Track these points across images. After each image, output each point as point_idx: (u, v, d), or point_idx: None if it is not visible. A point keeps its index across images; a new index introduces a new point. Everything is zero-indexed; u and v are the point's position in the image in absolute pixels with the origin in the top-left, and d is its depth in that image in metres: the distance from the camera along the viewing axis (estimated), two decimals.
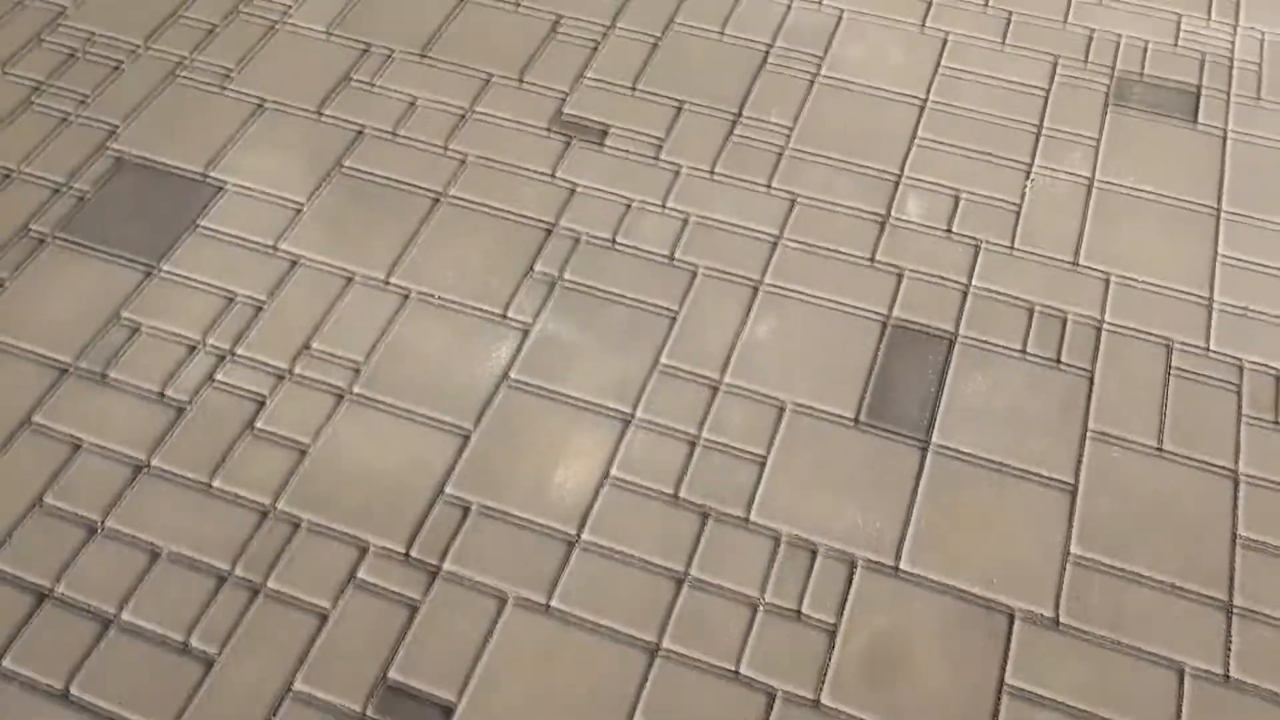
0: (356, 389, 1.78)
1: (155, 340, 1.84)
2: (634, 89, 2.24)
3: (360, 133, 2.16)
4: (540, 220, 2.02)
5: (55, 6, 2.40)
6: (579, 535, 1.62)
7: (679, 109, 2.20)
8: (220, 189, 2.06)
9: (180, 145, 2.13)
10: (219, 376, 1.79)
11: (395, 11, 2.39)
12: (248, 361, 1.81)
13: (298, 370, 1.80)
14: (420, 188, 2.07)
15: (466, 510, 1.65)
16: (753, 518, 1.64)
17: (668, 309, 1.89)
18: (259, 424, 1.74)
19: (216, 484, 1.67)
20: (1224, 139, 2.13)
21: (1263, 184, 2.05)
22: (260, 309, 1.88)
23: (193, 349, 1.83)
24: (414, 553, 1.61)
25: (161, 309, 1.88)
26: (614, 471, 1.69)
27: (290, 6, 2.40)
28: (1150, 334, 1.84)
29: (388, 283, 1.92)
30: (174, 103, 2.21)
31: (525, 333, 1.86)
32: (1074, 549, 1.60)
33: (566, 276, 1.93)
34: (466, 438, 1.73)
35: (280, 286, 1.91)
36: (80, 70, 2.27)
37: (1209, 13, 2.36)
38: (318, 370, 1.81)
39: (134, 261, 1.94)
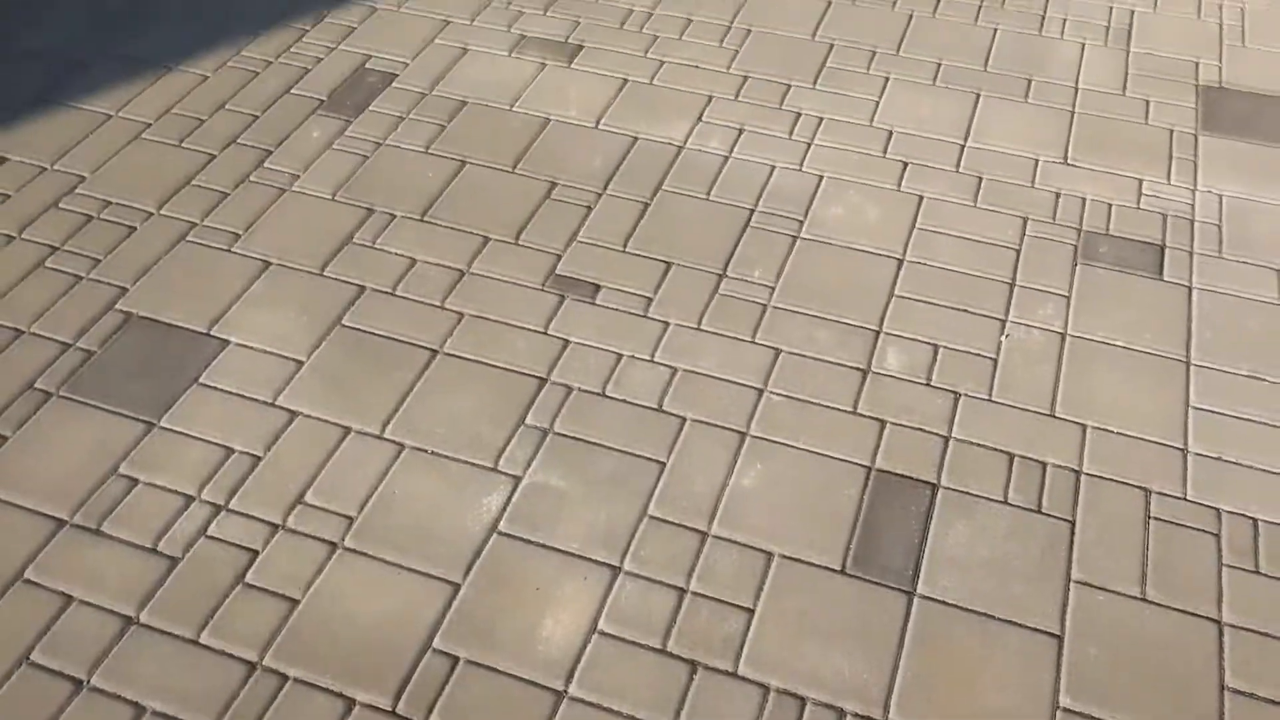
0: (348, 541, 1.80)
1: (151, 494, 1.87)
2: (625, 248, 2.34)
3: (361, 290, 2.25)
4: (533, 373, 2.08)
5: (75, 175, 2.53)
6: (566, 689, 1.62)
7: (668, 266, 2.30)
8: (223, 345, 2.13)
9: (186, 303, 2.21)
10: (212, 530, 1.82)
11: (398, 176, 2.52)
12: (242, 514, 1.84)
13: (291, 522, 1.83)
14: (417, 343, 2.14)
15: (454, 663, 1.65)
16: (741, 670, 1.64)
17: (656, 458, 1.93)
18: (250, 577, 1.75)
19: (204, 638, 1.67)
20: (1189, 292, 2.21)
21: (1228, 335, 2.12)
22: (257, 462, 1.92)
23: (188, 502, 1.86)
24: (401, 708, 1.60)
25: (159, 463, 1.92)
26: (602, 623, 1.69)
27: (299, 172, 2.53)
28: (1128, 481, 1.87)
29: (383, 435, 1.97)
30: (183, 263, 2.31)
31: (516, 483, 1.89)
32: (1063, 700, 1.60)
33: (557, 427, 1.98)
34: (456, 589, 1.74)
35: (277, 440, 1.96)
36: (94, 233, 2.38)
37: (1168, 175, 2.49)
38: (310, 522, 1.83)
39: (135, 416, 2.00)
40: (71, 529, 1.82)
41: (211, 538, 1.81)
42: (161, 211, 2.43)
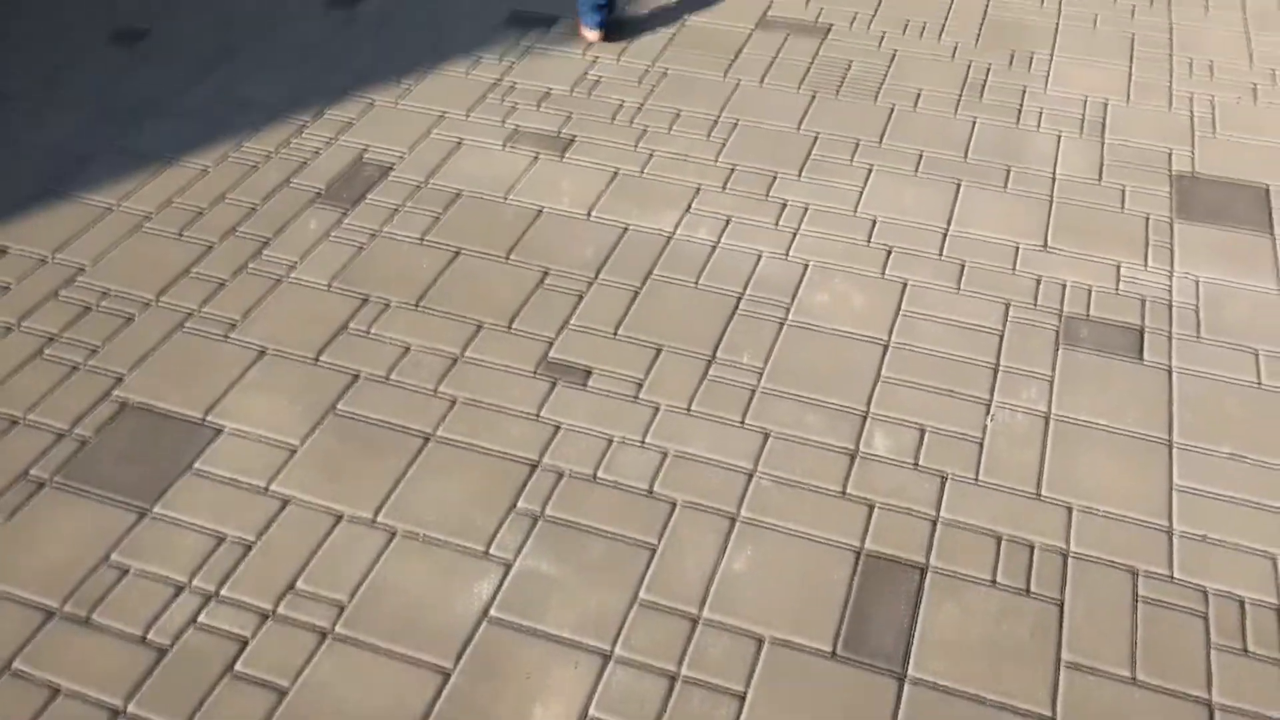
0: (339, 629, 1.80)
1: (142, 583, 1.87)
2: (616, 334, 2.38)
3: (355, 377, 2.28)
4: (525, 458, 2.10)
5: (75, 265, 2.58)
6: None
7: (658, 351, 2.34)
8: (218, 432, 2.15)
9: (182, 391, 2.24)
10: (203, 618, 1.82)
11: (393, 265, 2.57)
12: (232, 603, 1.84)
13: (281, 610, 1.83)
14: (410, 429, 2.16)
15: None
16: None
17: (647, 543, 1.94)
18: (239, 666, 1.75)
19: None
20: (1169, 374, 2.25)
21: (1209, 416, 2.16)
22: (248, 549, 1.93)
23: (178, 591, 1.86)
24: None
25: (151, 551, 1.92)
26: (593, 710, 1.69)
27: (296, 262, 2.58)
28: (1115, 562, 1.88)
29: (375, 521, 1.98)
30: (180, 351, 2.34)
31: (507, 568, 1.90)
32: None
33: (548, 512, 1.99)
34: (446, 676, 1.73)
35: (269, 526, 1.97)
36: (92, 322, 2.41)
37: (1145, 260, 2.55)
38: (301, 610, 1.83)
39: (127, 504, 2.01)
40: (61, 619, 1.82)
41: (201, 627, 1.80)
42: (160, 301, 2.47)
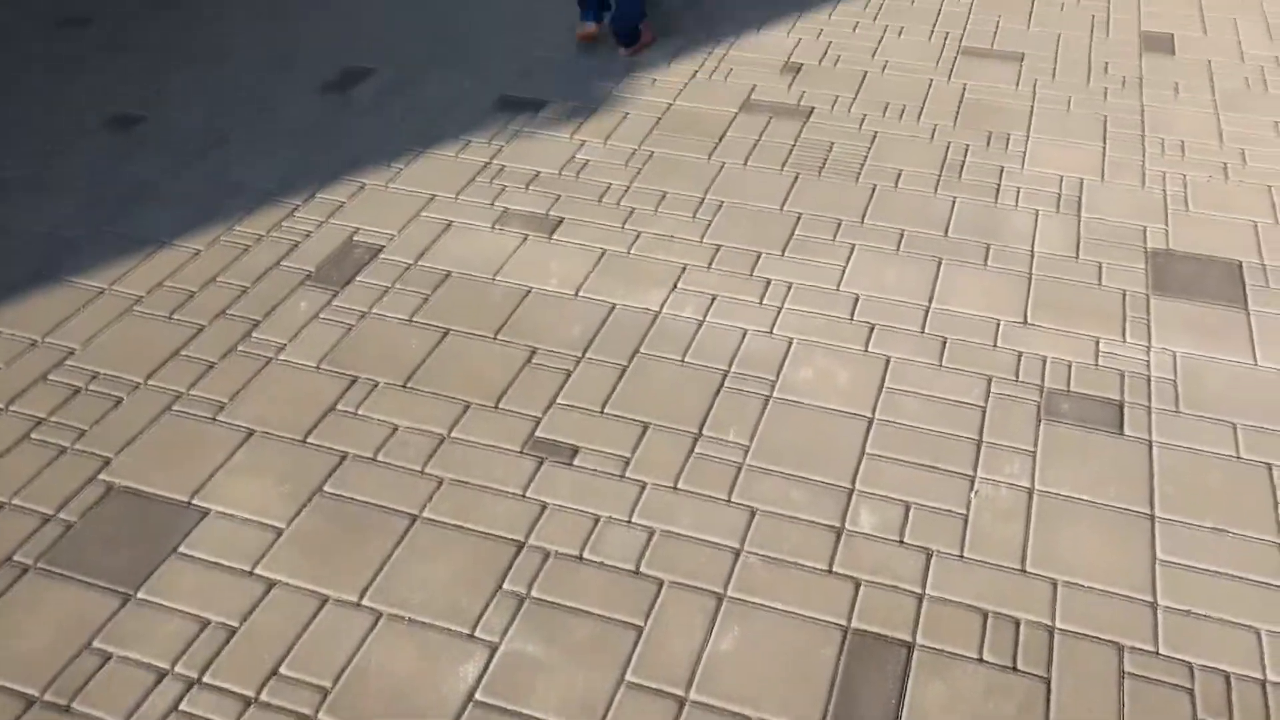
0: (323, 714, 1.78)
1: (125, 669, 1.85)
2: (603, 411, 2.40)
3: (343, 458, 2.28)
4: (511, 538, 2.10)
5: (65, 348, 2.60)
6: None
7: (644, 429, 2.35)
8: (203, 514, 2.15)
9: (168, 473, 2.24)
10: (185, 705, 1.80)
11: (382, 345, 2.60)
12: (215, 688, 1.82)
13: (264, 696, 1.81)
14: (397, 509, 2.16)
15: None
16: None
17: (633, 623, 1.93)
18: None
19: None
20: (1150, 448, 2.28)
21: (1190, 490, 2.18)
22: (232, 633, 1.91)
23: (161, 677, 1.84)
24: None
25: (134, 637, 1.91)
26: None
27: (285, 343, 2.61)
28: (1100, 638, 1.88)
29: (360, 603, 1.97)
30: (167, 433, 2.35)
31: (493, 650, 1.88)
32: None
33: (535, 592, 1.99)
34: None
35: (254, 610, 1.96)
36: (81, 405, 2.42)
37: (1124, 335, 2.59)
38: (285, 696, 1.81)
39: (111, 589, 2.00)
40: (42, 707, 1.80)
41: (184, 713, 1.78)
42: (148, 383, 2.49)
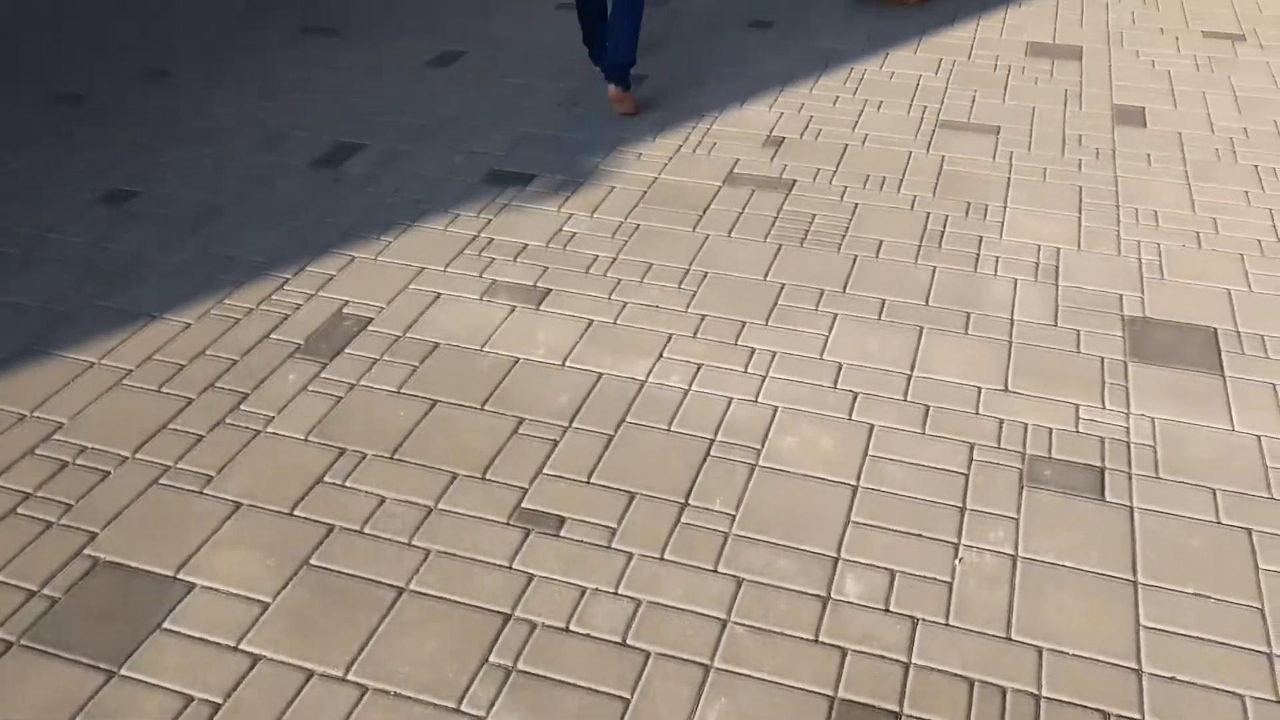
0: None
1: None
2: (589, 480, 2.42)
3: (330, 530, 2.29)
4: (497, 609, 2.10)
5: (53, 422, 2.61)
6: None
7: (631, 498, 2.37)
8: (189, 588, 2.15)
9: (154, 547, 2.24)
10: None
11: (370, 416, 2.61)
12: None
13: None
14: (384, 581, 2.16)
15: None
16: None
17: (620, 695, 1.92)
18: None
19: None
20: (1131, 513, 2.30)
21: (1172, 555, 2.19)
22: (216, 710, 1.90)
23: None
24: None
25: (116, 715, 1.89)
26: None
27: (273, 415, 2.62)
28: (1086, 705, 1.88)
29: (346, 677, 1.96)
30: (154, 507, 2.35)
31: None
32: None
33: (521, 665, 1.98)
34: None
35: (238, 686, 1.94)
36: (68, 479, 2.43)
37: (1103, 401, 2.63)
38: None
39: (94, 665, 1.98)
40: None
41: None
42: (136, 456, 2.50)
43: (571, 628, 2.06)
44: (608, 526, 2.29)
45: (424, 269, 3.22)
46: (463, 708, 1.90)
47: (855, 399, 2.66)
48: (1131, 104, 4.26)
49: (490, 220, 3.48)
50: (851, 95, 4.39)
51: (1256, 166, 3.75)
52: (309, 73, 4.73)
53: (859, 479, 2.41)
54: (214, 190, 3.72)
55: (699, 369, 2.77)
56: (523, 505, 2.35)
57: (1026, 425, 2.55)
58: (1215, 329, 2.89)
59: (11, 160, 3.95)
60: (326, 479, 2.43)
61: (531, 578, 2.17)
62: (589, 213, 3.52)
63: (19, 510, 2.34)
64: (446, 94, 4.49)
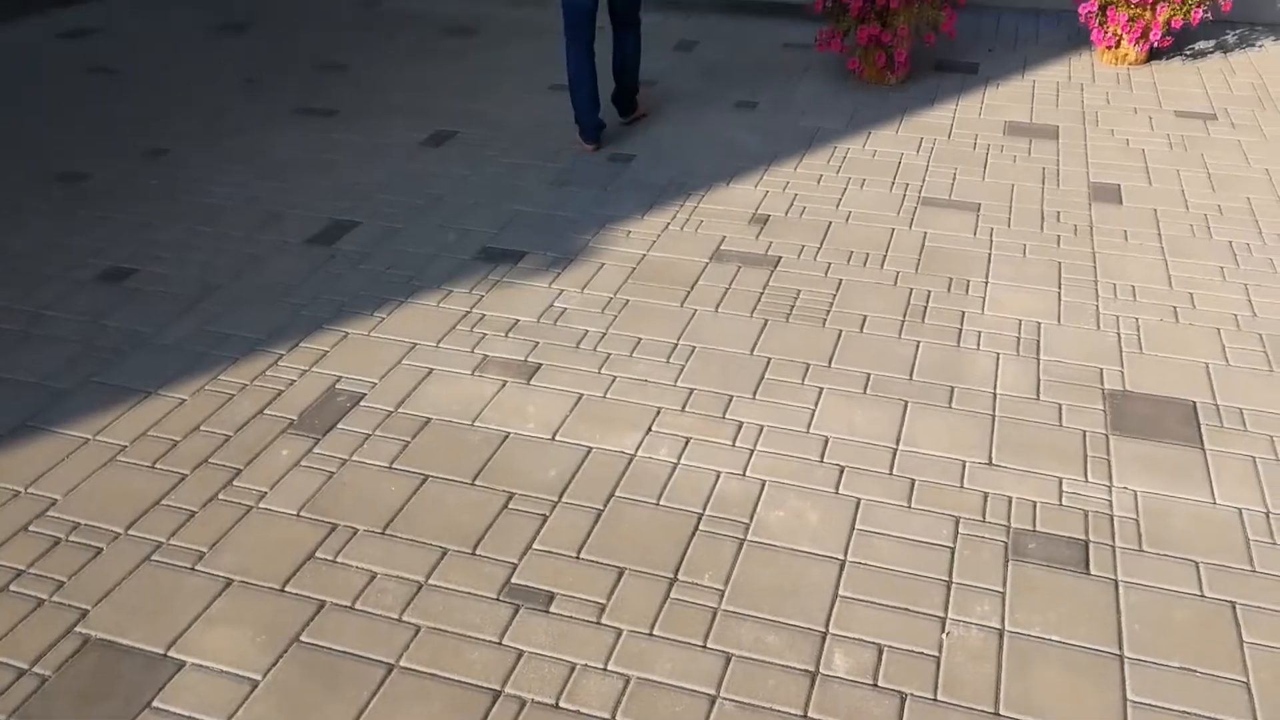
0: None
1: None
2: (579, 556, 2.44)
3: (321, 606, 2.30)
4: (487, 686, 2.10)
5: (47, 498, 2.63)
6: None
7: (620, 573, 2.38)
8: (179, 666, 2.15)
9: (145, 625, 2.25)
10: None
11: (362, 491, 2.64)
12: None
13: None
14: (374, 658, 2.17)
15: None
16: None
17: None
18: None
19: None
20: (1116, 587, 2.32)
21: (1157, 628, 2.22)
22: None
23: None
24: None
25: None
26: None
27: (266, 491, 2.65)
28: None
29: None
30: (146, 584, 2.36)
31: None
32: None
33: None
34: None
35: None
36: (60, 556, 2.44)
37: (1085, 474, 2.67)
38: None
39: None
40: None
41: None
42: (129, 532, 2.51)
43: (561, 704, 2.06)
44: (597, 602, 2.30)
45: (416, 344, 3.27)
46: None
47: (842, 473, 2.69)
48: (1108, 181, 4.38)
49: (482, 296, 3.54)
50: (835, 173, 4.50)
51: (1231, 242, 3.85)
52: (305, 152, 4.83)
53: (846, 553, 2.44)
54: (211, 267, 3.78)
55: (687, 443, 2.81)
56: (512, 581, 2.36)
57: (1011, 498, 2.59)
58: (1194, 402, 2.95)
59: (13, 238, 4.01)
60: (318, 554, 2.44)
61: (521, 654, 2.18)
62: (579, 289, 3.59)
63: (11, 588, 2.35)
64: (439, 173, 4.59)
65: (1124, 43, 5.73)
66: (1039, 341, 3.25)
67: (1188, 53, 6.01)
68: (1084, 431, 2.83)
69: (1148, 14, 5.54)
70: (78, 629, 2.24)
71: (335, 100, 5.49)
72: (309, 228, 4.08)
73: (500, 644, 2.20)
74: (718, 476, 2.69)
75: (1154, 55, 5.93)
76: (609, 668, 2.14)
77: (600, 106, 4.73)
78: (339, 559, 2.43)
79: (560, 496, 2.62)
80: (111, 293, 3.61)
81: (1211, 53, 6.01)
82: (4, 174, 4.61)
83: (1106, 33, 5.71)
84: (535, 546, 2.46)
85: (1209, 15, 5.81)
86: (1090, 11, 5.72)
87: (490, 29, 6.69)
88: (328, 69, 5.98)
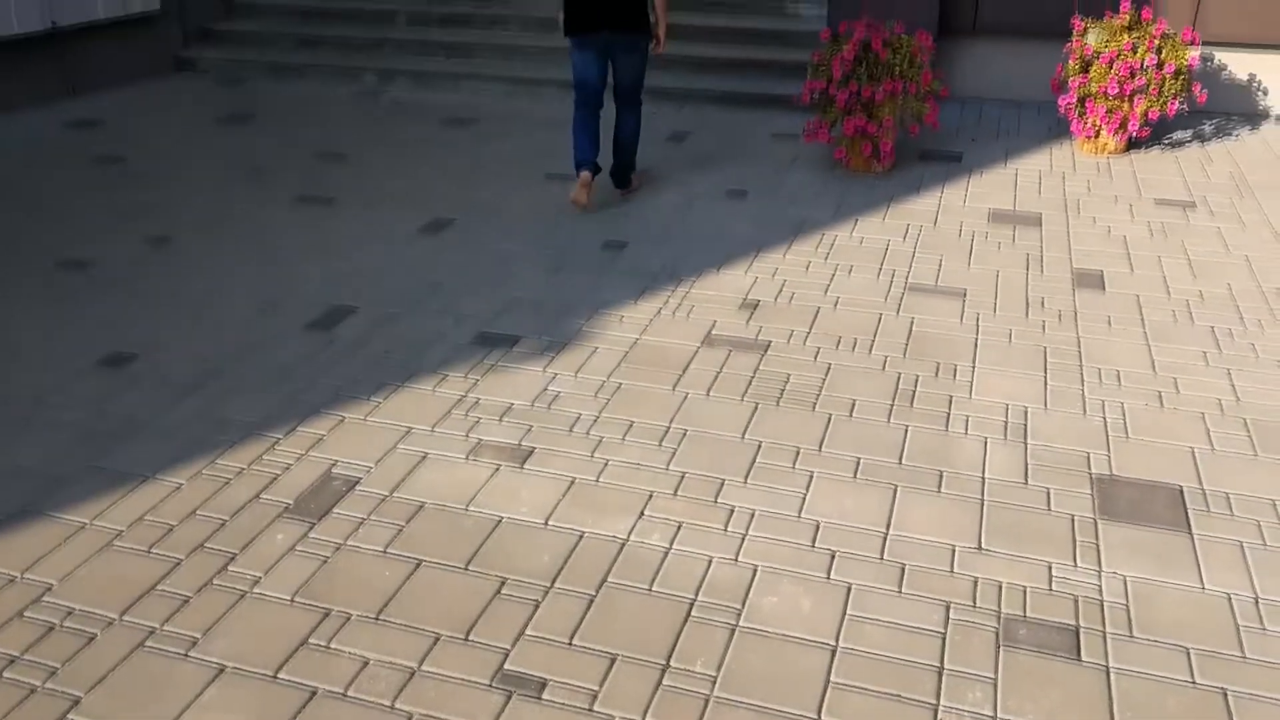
0: None
1: None
2: (571, 642, 2.44)
3: (313, 694, 2.30)
4: None
5: (43, 584, 2.63)
6: None
7: (612, 660, 2.39)
8: None
9: (136, 713, 2.24)
10: None
11: (356, 577, 2.65)
12: None
13: None
14: None
15: None
16: None
17: None
18: None
19: None
20: (1107, 674, 2.33)
21: (1149, 717, 2.22)
22: None
23: None
24: None
25: None
26: None
27: (260, 576, 2.66)
28: None
29: None
30: (138, 671, 2.36)
31: None
32: None
33: None
34: None
35: None
36: (54, 642, 2.44)
37: (1074, 560, 2.70)
38: None
39: None
40: None
41: None
42: (123, 619, 2.52)
43: None
44: (589, 689, 2.31)
45: (412, 429, 3.31)
46: None
47: (833, 558, 2.71)
48: (1091, 268, 4.48)
49: (477, 381, 3.60)
50: (823, 260, 4.60)
51: (1213, 328, 3.93)
52: (305, 239, 4.93)
53: (838, 639, 2.45)
54: (211, 353, 3.83)
55: (679, 528, 2.83)
56: (505, 668, 2.37)
57: (1001, 584, 2.61)
58: (1181, 487, 2.99)
59: (16, 325, 4.07)
60: (311, 641, 2.44)
61: None
62: (573, 373, 3.64)
63: (5, 675, 2.35)
64: (436, 260, 4.68)
65: (1103, 133, 5.90)
66: (1026, 426, 3.30)
67: (1166, 142, 6.19)
68: (1072, 516, 2.86)
69: (1125, 106, 5.73)
70: (70, 717, 2.23)
71: (335, 189, 5.62)
72: (308, 313, 4.15)
73: None
74: (710, 562, 2.71)
75: (1133, 145, 6.11)
76: None
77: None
78: (332, 645, 2.43)
79: (553, 582, 2.64)
80: (112, 378, 3.65)
81: (1189, 142, 6.19)
82: (7, 261, 4.69)
83: (1086, 124, 5.89)
84: (528, 633, 2.47)
85: (1185, 107, 6.01)
86: (1069, 103, 5.91)
87: (488, 120, 6.87)
88: (328, 158, 6.13)
